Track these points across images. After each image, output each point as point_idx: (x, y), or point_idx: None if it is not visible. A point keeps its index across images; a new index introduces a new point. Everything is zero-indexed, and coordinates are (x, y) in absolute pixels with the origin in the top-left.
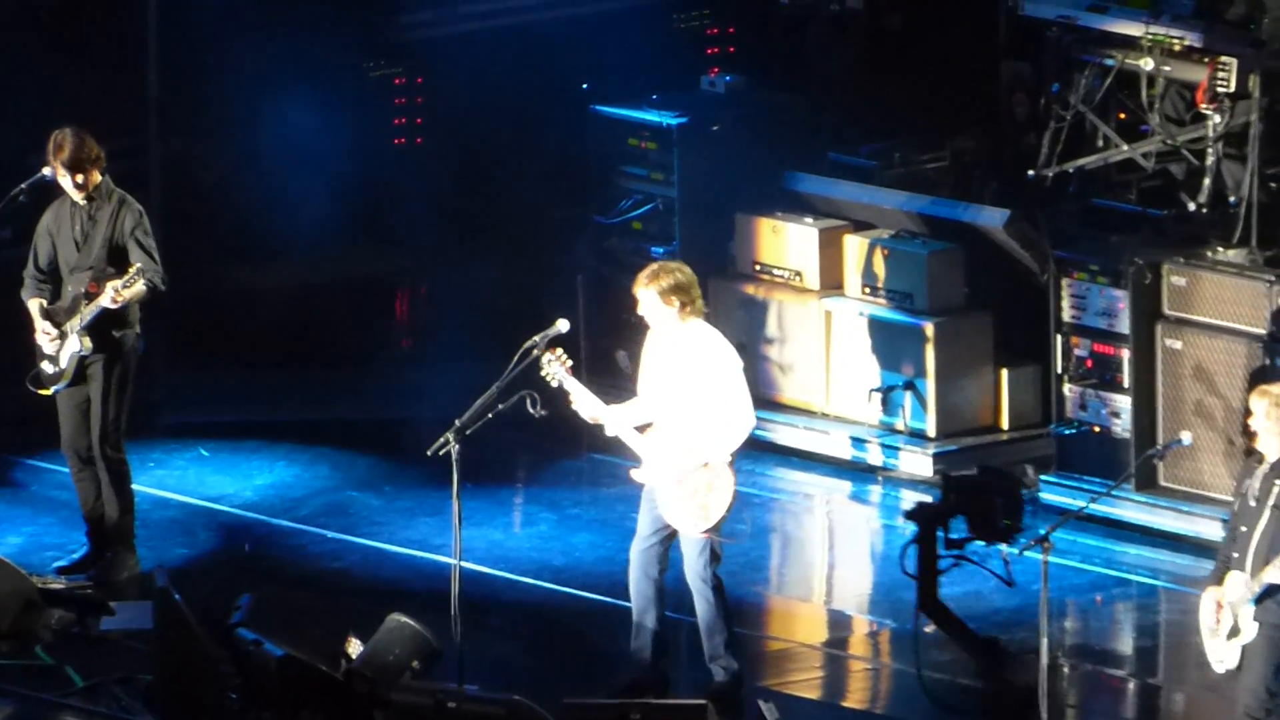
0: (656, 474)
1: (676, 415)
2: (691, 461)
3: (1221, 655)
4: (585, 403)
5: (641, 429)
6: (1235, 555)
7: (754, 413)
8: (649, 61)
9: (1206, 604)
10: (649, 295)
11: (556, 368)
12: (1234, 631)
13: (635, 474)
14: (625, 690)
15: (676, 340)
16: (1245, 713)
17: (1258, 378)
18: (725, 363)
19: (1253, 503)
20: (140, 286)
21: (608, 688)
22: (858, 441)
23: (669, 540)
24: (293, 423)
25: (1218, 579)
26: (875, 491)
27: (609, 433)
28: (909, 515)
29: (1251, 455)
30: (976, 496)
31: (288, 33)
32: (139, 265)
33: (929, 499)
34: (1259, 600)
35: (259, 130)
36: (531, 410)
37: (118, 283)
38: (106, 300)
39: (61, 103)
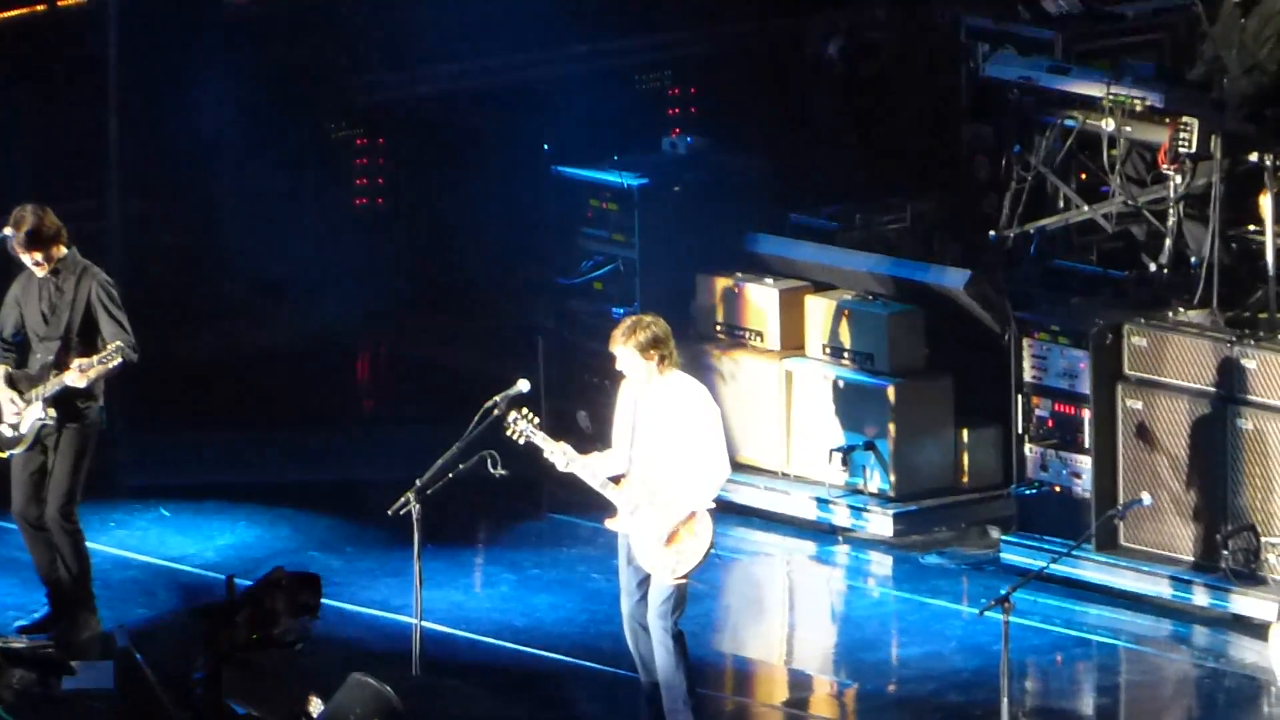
0: (635, 523)
1: (658, 464)
2: (678, 516)
3: None
4: (558, 455)
5: (614, 480)
6: None
7: (729, 461)
8: (610, 123)
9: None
10: (627, 351)
11: (524, 425)
12: None
13: (611, 523)
14: None
15: (655, 391)
16: None
17: (1217, 438)
18: (707, 411)
19: None
20: (114, 364)
21: None
22: (818, 502)
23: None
24: (254, 484)
25: None
26: (836, 552)
27: (588, 481)
28: (197, 612)
29: None
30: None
31: (250, 93)
32: (118, 343)
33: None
34: None
35: (221, 191)
36: (492, 470)
37: (89, 360)
38: (72, 378)
39: (23, 163)
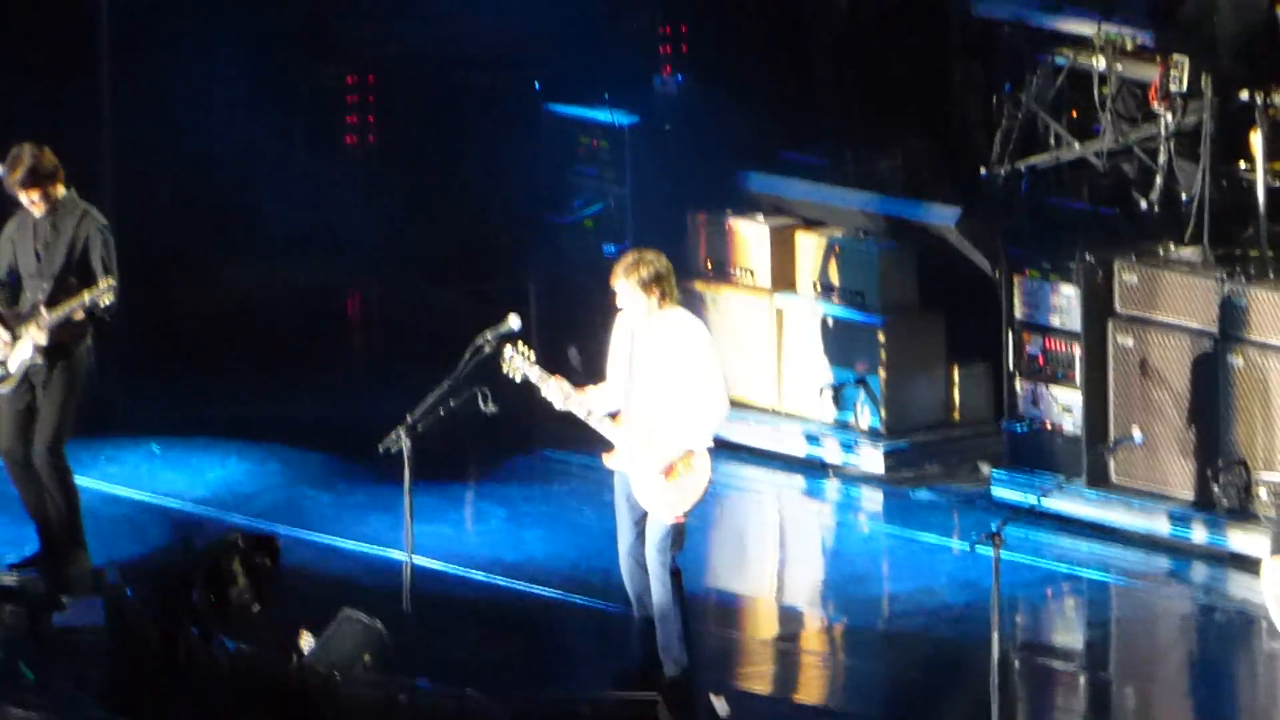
0: (632, 459)
1: (657, 400)
2: (677, 447)
3: None
4: (554, 391)
5: (610, 416)
6: None
7: (727, 399)
8: (601, 61)
9: (1273, 572)
10: (629, 285)
11: (520, 361)
12: None
13: (609, 459)
14: (631, 676)
15: (655, 328)
16: None
17: (1208, 375)
18: (707, 349)
19: None
20: (106, 301)
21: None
22: (810, 438)
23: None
24: (245, 420)
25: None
26: (827, 488)
27: (584, 418)
28: (153, 576)
29: None
30: (217, 564)
31: (240, 37)
32: (110, 282)
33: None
34: None
35: (212, 134)
36: (483, 406)
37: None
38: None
39: (15, 109)
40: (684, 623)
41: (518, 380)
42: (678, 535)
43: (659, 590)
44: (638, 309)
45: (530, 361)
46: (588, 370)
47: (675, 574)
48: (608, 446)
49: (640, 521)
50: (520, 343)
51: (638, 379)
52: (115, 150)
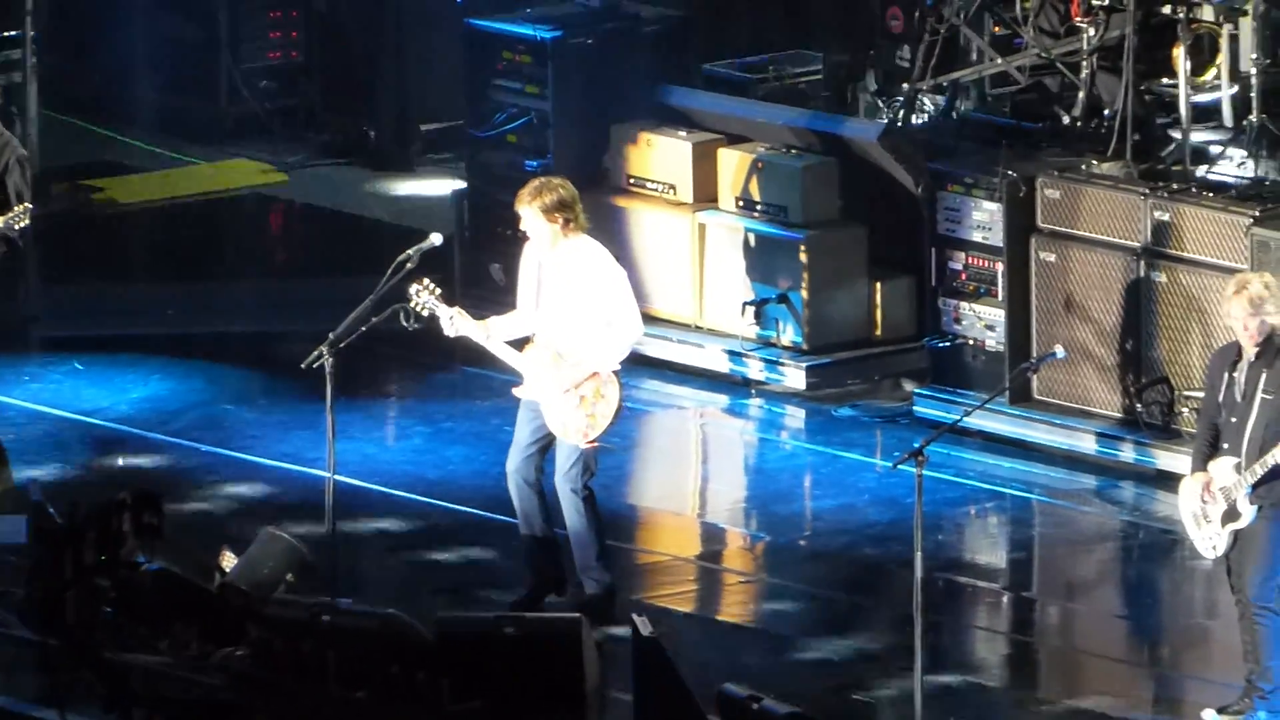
0: (542, 389)
1: (565, 328)
2: (582, 372)
3: (1213, 541)
4: (461, 325)
5: (519, 344)
6: (1226, 445)
7: (640, 322)
8: None
9: (1191, 490)
10: (532, 212)
11: (426, 297)
12: (1230, 516)
13: (518, 390)
14: (529, 599)
15: (560, 256)
16: (1254, 601)
17: (1132, 291)
18: (612, 275)
19: (1239, 396)
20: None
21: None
22: (731, 355)
23: (546, 449)
24: (167, 337)
25: (1200, 467)
26: (749, 405)
27: (487, 346)
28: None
29: (1227, 347)
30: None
31: None
32: (26, 205)
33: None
34: (1257, 486)
35: (134, 44)
36: (405, 323)
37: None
38: None
39: None
40: (601, 546)
41: (425, 315)
42: (588, 461)
43: (574, 517)
44: (542, 236)
45: (436, 297)
46: (510, 286)
47: (589, 499)
48: (518, 377)
49: (537, 443)
50: (425, 280)
51: (545, 307)
52: (38, 60)
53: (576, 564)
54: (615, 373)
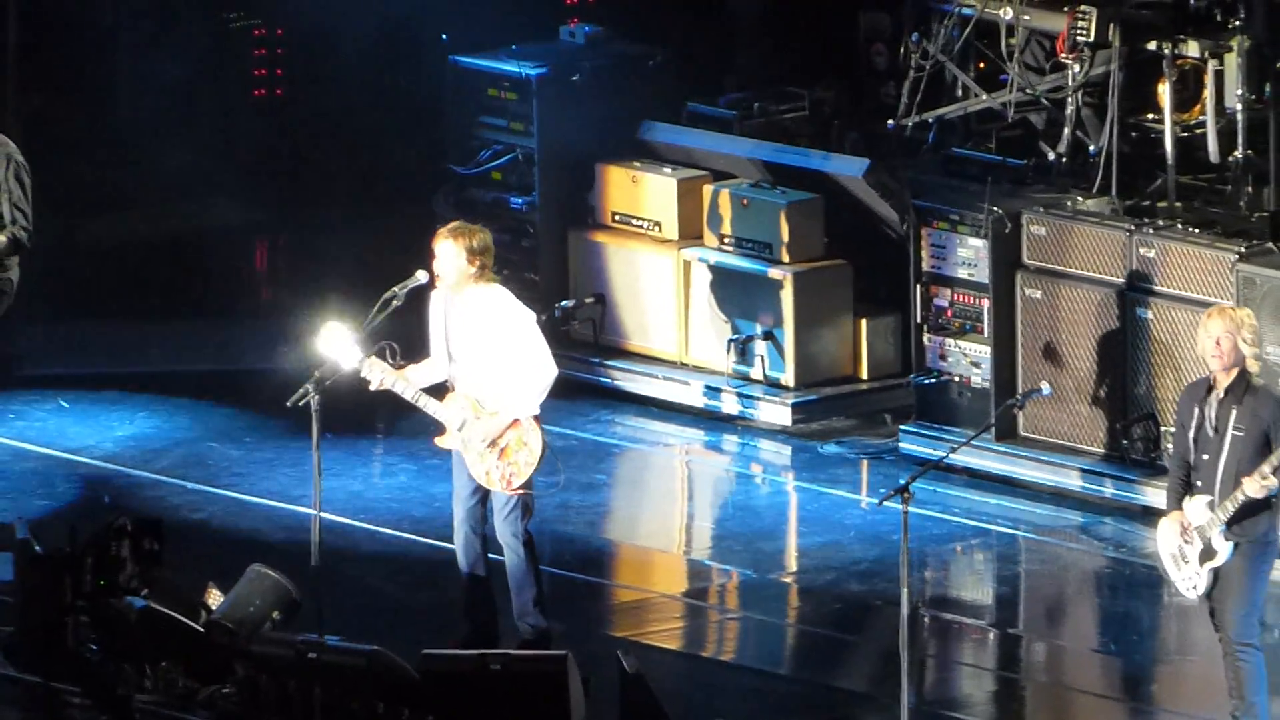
0: (462, 440)
1: (478, 375)
2: (502, 423)
3: (1193, 581)
4: (374, 374)
5: (436, 391)
6: (1199, 483)
7: (554, 363)
8: (508, 12)
9: (1168, 531)
10: (455, 249)
11: (338, 343)
12: (1207, 555)
13: (440, 441)
14: (464, 644)
15: (467, 301)
16: (1235, 639)
17: (1117, 327)
18: (521, 319)
19: (1211, 432)
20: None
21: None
22: (716, 391)
23: (486, 498)
24: (153, 374)
25: (1176, 506)
26: (733, 441)
27: (409, 399)
28: (40, 560)
29: (1197, 384)
30: (106, 548)
31: None
32: (12, 231)
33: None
34: (1231, 523)
35: (118, 81)
36: (390, 361)
37: None
38: None
39: None
40: (539, 587)
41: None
42: (525, 506)
43: (514, 561)
44: (454, 276)
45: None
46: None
47: (528, 543)
48: (439, 428)
49: (476, 491)
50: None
51: (456, 355)
52: (21, 96)
53: (514, 608)
54: (536, 417)
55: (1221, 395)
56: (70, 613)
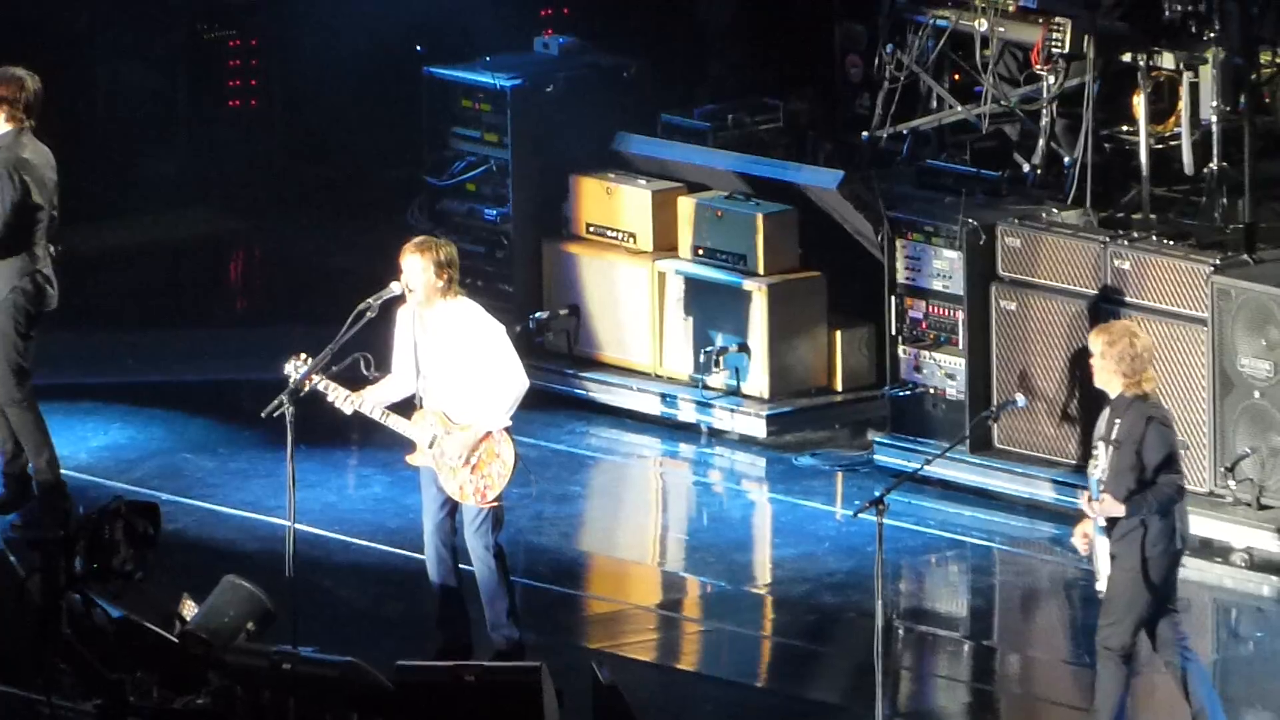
0: (434, 456)
1: (449, 389)
2: (474, 437)
3: (1101, 582)
4: (341, 400)
5: (403, 407)
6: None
7: (525, 375)
8: (482, 23)
9: (1076, 537)
10: (423, 263)
11: (300, 370)
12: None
13: (411, 458)
14: (438, 655)
15: (437, 315)
16: (1101, 643)
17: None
18: (491, 329)
19: (1099, 443)
20: None
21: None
22: (691, 403)
23: (455, 509)
24: (127, 385)
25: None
26: (709, 453)
27: (379, 420)
28: (33, 544)
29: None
30: (99, 531)
31: None
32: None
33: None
34: (1107, 533)
35: (94, 92)
36: (365, 372)
37: None
38: None
39: None
40: (511, 599)
41: (323, 391)
42: (496, 519)
43: (484, 573)
44: (421, 290)
45: (316, 371)
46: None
47: (499, 555)
48: (410, 446)
49: (445, 505)
50: (303, 355)
51: (426, 370)
52: None
53: (487, 621)
54: (507, 429)
55: (1107, 408)
56: (63, 595)
